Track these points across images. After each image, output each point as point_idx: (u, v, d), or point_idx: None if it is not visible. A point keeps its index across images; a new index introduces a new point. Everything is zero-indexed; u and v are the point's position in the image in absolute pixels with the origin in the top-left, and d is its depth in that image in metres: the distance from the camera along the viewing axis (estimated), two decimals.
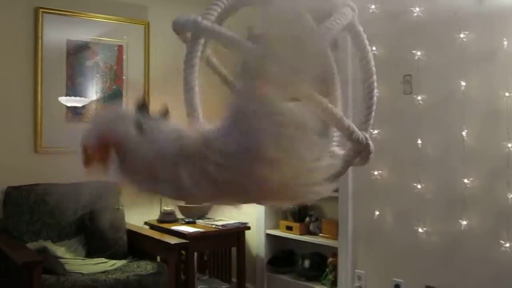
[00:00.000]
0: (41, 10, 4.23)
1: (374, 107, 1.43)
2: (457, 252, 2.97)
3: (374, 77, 1.45)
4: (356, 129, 1.33)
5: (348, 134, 1.32)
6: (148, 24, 4.69)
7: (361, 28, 1.43)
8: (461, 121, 2.92)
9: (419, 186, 3.13)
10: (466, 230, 2.90)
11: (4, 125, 4.09)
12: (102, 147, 1.22)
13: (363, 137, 1.34)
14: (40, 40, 4.23)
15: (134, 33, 4.68)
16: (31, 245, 3.60)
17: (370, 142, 1.37)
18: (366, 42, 1.43)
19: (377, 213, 3.42)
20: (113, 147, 1.20)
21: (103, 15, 4.54)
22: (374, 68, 1.48)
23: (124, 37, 4.66)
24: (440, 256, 3.05)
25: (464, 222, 2.89)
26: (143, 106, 1.24)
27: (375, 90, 1.46)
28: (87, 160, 1.28)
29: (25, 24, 4.20)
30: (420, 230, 3.11)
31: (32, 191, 3.92)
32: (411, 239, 3.19)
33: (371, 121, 1.46)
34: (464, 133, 2.91)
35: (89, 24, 4.49)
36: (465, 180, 2.89)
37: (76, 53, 4.44)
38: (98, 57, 4.54)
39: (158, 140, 1.15)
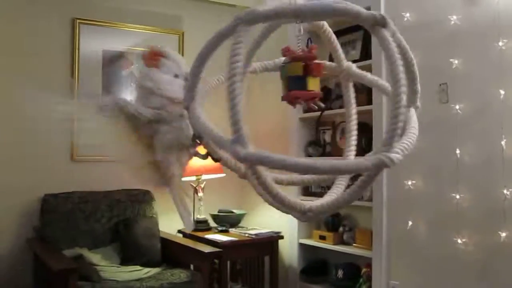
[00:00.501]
0: (78, 20, 4.32)
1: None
2: (495, 264, 2.90)
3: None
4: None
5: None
6: (183, 34, 4.74)
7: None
8: (500, 131, 2.86)
9: (457, 197, 3.07)
10: (506, 242, 2.83)
11: (42, 134, 4.17)
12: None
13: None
14: (76, 50, 4.31)
15: (169, 42, 4.73)
16: (67, 252, 3.65)
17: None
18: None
19: (410, 223, 3.38)
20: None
21: (138, 25, 4.61)
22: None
23: (159, 46, 4.70)
24: (477, 268, 2.99)
25: (504, 234, 2.83)
26: None
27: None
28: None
29: (62, 35, 4.29)
30: (459, 241, 3.05)
31: (68, 199, 3.99)
32: (447, 250, 3.14)
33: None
34: (503, 143, 2.85)
35: (124, 34, 4.56)
36: (505, 191, 2.83)
37: (112, 62, 4.51)
38: (133, 67, 4.60)
39: None
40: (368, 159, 1.21)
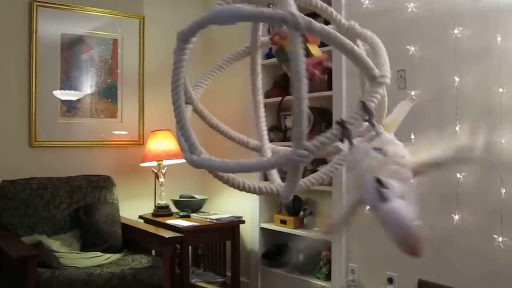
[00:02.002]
0: (35, 3, 4.23)
1: None
2: (450, 246, 2.99)
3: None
4: None
5: None
6: (143, 18, 4.69)
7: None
8: (454, 117, 2.94)
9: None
10: (459, 225, 2.92)
11: None
12: None
13: None
14: (34, 34, 4.23)
15: (129, 27, 4.68)
16: (26, 239, 3.61)
17: None
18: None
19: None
20: None
21: (98, 9, 4.54)
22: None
23: (119, 30, 4.66)
24: (433, 250, 3.08)
25: (457, 217, 2.92)
26: None
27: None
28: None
29: (20, 18, 4.20)
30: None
31: (27, 185, 3.93)
32: None
33: None
34: (457, 129, 2.92)
35: (84, 17, 4.49)
36: (458, 175, 2.91)
37: (71, 47, 4.44)
38: (93, 51, 4.54)
39: None
40: (279, 158, 1.27)
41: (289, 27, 1.20)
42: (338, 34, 1.30)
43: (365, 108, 1.31)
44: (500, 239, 2.73)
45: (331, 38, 1.27)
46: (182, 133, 1.35)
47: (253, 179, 1.41)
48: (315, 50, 1.52)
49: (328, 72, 3.74)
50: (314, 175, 1.54)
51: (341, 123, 1.27)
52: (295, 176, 1.33)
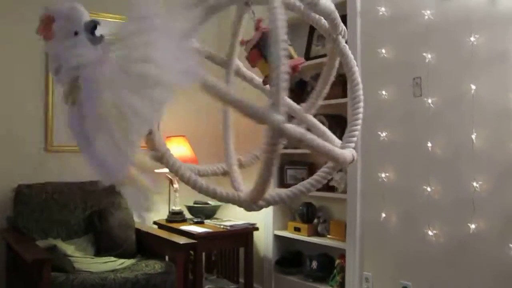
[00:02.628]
0: None
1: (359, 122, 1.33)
2: (465, 255, 2.96)
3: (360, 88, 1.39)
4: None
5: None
6: None
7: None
8: (471, 125, 2.92)
9: (428, 189, 3.12)
10: (475, 233, 2.89)
11: (16, 124, 4.13)
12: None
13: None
14: None
15: None
16: (41, 243, 3.63)
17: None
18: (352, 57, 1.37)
19: (383, 215, 3.42)
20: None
21: (119, 16, 4.57)
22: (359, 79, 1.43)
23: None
24: (448, 259, 3.05)
25: (473, 226, 2.89)
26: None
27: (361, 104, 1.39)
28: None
29: (37, 24, 4.22)
30: (429, 233, 3.10)
31: (42, 189, 3.96)
32: (419, 241, 3.19)
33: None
34: (473, 136, 2.90)
35: (104, 25, 4.51)
36: (474, 183, 2.89)
37: None
38: None
39: None
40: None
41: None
42: None
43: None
44: None
45: None
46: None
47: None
48: (292, 52, 1.53)
49: (343, 79, 3.72)
50: (301, 184, 1.48)
51: None
52: (270, 156, 1.24)
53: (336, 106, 3.84)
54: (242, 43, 1.59)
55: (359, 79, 1.58)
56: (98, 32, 1.33)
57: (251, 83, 1.81)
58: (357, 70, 1.58)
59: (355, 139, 1.50)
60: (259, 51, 1.51)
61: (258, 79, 1.73)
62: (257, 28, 1.53)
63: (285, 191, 1.37)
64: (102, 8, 4.52)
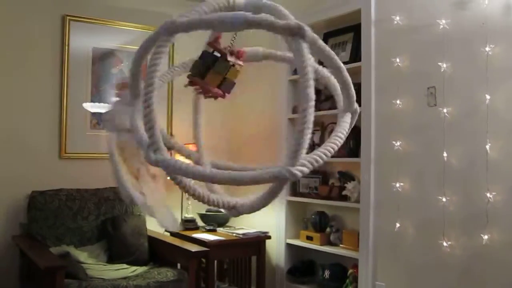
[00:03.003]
0: (68, 17, 4.31)
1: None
2: (478, 266, 2.94)
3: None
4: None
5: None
6: None
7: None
8: (485, 135, 2.90)
9: (443, 199, 3.10)
10: (488, 244, 2.87)
11: (30, 131, 4.16)
12: None
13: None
14: (66, 48, 4.30)
15: None
16: (54, 250, 3.65)
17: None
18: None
19: (397, 225, 3.40)
20: None
21: (129, 23, 4.60)
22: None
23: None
24: (462, 270, 3.02)
25: (486, 237, 2.86)
26: None
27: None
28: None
29: (52, 32, 4.27)
30: (444, 243, 3.08)
31: (56, 196, 3.98)
32: (433, 252, 3.17)
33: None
34: (487, 147, 2.88)
35: (115, 32, 4.56)
36: (488, 194, 2.86)
37: (102, 60, 4.50)
38: (122, 65, 4.60)
39: None
40: (268, 172, 1.23)
41: (296, 38, 1.22)
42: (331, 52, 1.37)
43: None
44: None
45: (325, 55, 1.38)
46: (147, 121, 1.33)
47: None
48: (234, 75, 1.60)
49: (357, 88, 3.72)
50: None
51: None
52: (275, 192, 1.31)
53: None
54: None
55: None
56: None
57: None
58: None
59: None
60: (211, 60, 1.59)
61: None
62: (231, 52, 1.60)
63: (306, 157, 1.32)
64: (117, 17, 4.56)
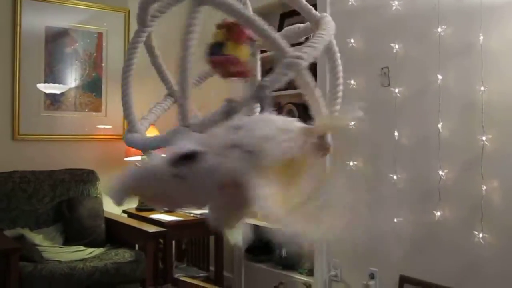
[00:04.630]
0: None
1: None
2: (431, 242, 3.03)
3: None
4: None
5: None
6: (129, 12, 4.68)
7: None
8: (437, 114, 2.97)
9: (395, 177, 3.18)
10: (440, 221, 2.95)
11: None
12: None
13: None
14: (18, 27, 4.20)
15: (114, 20, 4.66)
16: (8, 233, 3.59)
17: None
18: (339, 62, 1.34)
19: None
20: None
21: (83, 2, 4.52)
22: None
23: (104, 24, 4.64)
24: (415, 246, 3.11)
25: (438, 213, 2.95)
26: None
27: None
28: None
29: (3, 10, 4.16)
30: (395, 220, 3.16)
31: (9, 178, 3.90)
32: (386, 228, 3.24)
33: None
34: (439, 126, 2.96)
35: (68, 11, 4.47)
36: (440, 172, 2.94)
37: (55, 40, 4.41)
38: (77, 44, 4.52)
39: None
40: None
41: None
42: (242, 9, 1.21)
43: (259, 91, 1.23)
44: (481, 235, 2.77)
45: (234, 12, 1.20)
46: (124, 109, 1.35)
47: None
48: (236, 50, 1.35)
49: (313, 68, 3.75)
50: None
51: (230, 102, 1.21)
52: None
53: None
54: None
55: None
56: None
57: None
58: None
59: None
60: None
61: None
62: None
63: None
64: None
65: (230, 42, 1.34)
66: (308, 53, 1.22)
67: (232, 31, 1.33)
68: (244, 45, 1.36)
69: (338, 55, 1.50)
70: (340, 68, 1.51)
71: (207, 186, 1.05)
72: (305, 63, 1.21)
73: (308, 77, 1.29)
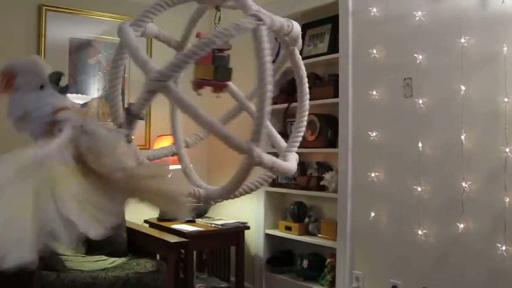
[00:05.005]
0: (44, 7, 4.26)
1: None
2: (454, 254, 2.99)
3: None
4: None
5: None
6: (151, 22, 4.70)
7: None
8: (460, 125, 2.94)
9: (418, 189, 3.15)
10: (464, 233, 2.92)
11: (6, 123, 4.10)
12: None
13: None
14: (43, 38, 4.26)
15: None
16: None
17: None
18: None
19: (372, 214, 3.44)
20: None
21: (107, 13, 4.57)
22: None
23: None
24: (437, 258, 3.08)
25: (462, 225, 2.92)
26: None
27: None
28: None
29: (28, 22, 4.22)
30: (419, 232, 3.13)
31: None
32: (409, 240, 3.21)
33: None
34: (462, 137, 2.93)
35: (92, 22, 4.52)
36: (463, 184, 2.91)
37: (79, 50, 4.47)
38: (100, 55, 4.57)
39: None
40: (239, 139, 1.36)
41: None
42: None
43: (128, 111, 1.43)
44: (504, 247, 2.73)
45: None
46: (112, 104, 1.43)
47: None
48: (208, 71, 1.69)
49: (335, 79, 3.75)
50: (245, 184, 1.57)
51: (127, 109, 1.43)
52: (240, 178, 1.43)
53: (327, 106, 3.86)
54: (198, 35, 1.68)
55: (307, 90, 1.69)
56: (63, 82, 1.49)
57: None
58: (306, 80, 1.69)
59: (297, 145, 1.63)
60: (213, 57, 1.66)
61: None
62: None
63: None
64: (95, 7, 4.53)
65: (197, 65, 1.64)
66: (171, 70, 1.34)
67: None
68: (206, 65, 1.66)
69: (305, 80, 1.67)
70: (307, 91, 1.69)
71: None
72: (170, 81, 1.36)
73: (178, 94, 1.38)
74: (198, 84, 1.70)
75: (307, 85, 1.69)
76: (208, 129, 1.41)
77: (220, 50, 1.66)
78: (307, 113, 1.69)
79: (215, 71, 1.69)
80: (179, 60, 1.32)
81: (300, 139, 1.66)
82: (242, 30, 1.31)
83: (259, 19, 1.32)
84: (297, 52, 1.67)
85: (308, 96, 1.68)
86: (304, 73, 1.67)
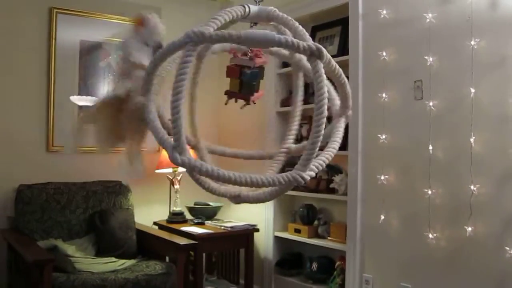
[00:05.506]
0: (55, 10, 4.28)
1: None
2: (464, 257, 2.97)
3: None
4: None
5: None
6: None
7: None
8: (469, 128, 2.92)
9: (429, 192, 3.13)
10: (472, 236, 2.90)
11: (17, 124, 4.14)
12: None
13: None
14: (53, 40, 4.28)
15: None
16: (42, 243, 3.64)
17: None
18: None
19: (382, 217, 3.43)
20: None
21: (117, 16, 4.58)
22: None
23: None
24: (447, 261, 3.06)
25: (470, 228, 2.90)
26: None
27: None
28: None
29: (39, 24, 4.24)
30: (429, 235, 3.11)
31: (43, 189, 3.97)
32: (419, 244, 3.20)
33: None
34: (472, 140, 2.91)
35: (102, 24, 4.54)
36: (472, 187, 2.89)
37: (89, 53, 4.48)
38: (110, 58, 4.58)
39: None
40: (284, 177, 1.50)
41: (312, 58, 1.46)
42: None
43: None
44: None
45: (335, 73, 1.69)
46: (175, 126, 1.46)
47: None
48: (233, 83, 1.85)
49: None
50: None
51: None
52: (282, 191, 1.60)
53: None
54: (231, 52, 1.83)
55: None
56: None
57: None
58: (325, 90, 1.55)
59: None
60: (240, 72, 1.78)
61: None
62: (254, 55, 1.78)
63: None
64: (105, 10, 4.54)
65: (230, 78, 1.83)
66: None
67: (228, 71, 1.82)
68: (233, 78, 1.81)
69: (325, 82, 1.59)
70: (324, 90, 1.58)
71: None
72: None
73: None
74: (228, 96, 1.85)
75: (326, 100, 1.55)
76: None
77: (249, 67, 1.79)
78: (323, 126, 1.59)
79: (240, 85, 1.81)
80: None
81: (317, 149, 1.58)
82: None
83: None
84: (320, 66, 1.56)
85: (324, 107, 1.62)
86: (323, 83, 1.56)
